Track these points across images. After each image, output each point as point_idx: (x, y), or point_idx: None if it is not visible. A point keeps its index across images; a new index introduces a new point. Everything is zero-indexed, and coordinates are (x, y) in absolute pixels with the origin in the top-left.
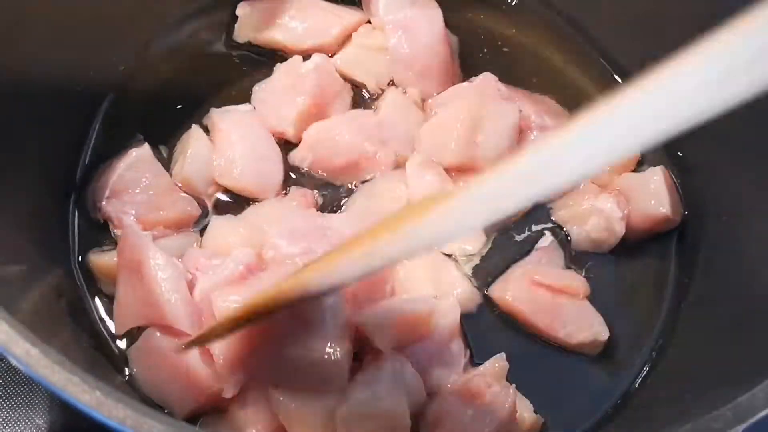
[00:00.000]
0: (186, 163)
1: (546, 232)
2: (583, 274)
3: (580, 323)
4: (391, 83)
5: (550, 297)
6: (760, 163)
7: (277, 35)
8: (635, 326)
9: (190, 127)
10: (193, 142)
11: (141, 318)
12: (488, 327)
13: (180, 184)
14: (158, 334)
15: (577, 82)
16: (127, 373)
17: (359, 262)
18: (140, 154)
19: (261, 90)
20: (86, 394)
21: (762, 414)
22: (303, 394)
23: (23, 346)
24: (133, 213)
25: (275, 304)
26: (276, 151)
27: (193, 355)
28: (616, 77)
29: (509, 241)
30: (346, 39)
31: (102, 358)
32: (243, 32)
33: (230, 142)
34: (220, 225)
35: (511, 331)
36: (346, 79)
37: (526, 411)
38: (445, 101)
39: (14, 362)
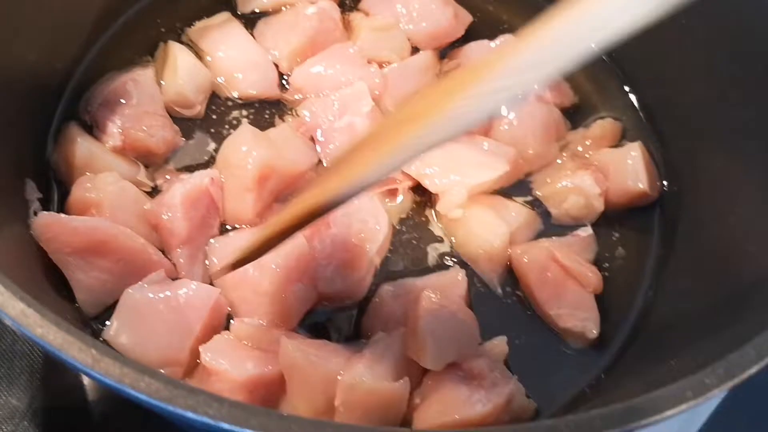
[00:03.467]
0: (177, 75)
1: (587, 223)
2: None
3: (575, 311)
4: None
5: (561, 276)
6: (736, 137)
7: None
8: (617, 298)
9: None
10: (178, 54)
11: (122, 287)
12: (496, 304)
13: (172, 98)
14: (144, 285)
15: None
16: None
17: (386, 160)
18: (142, 73)
19: (264, 23)
20: (83, 353)
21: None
22: (313, 351)
23: (18, 306)
24: (119, 123)
25: (303, 217)
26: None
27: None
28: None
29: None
30: None
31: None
32: (245, 3)
33: (225, 53)
34: (245, 131)
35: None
36: (372, 61)
37: (519, 395)
38: (466, 55)
39: (9, 323)
